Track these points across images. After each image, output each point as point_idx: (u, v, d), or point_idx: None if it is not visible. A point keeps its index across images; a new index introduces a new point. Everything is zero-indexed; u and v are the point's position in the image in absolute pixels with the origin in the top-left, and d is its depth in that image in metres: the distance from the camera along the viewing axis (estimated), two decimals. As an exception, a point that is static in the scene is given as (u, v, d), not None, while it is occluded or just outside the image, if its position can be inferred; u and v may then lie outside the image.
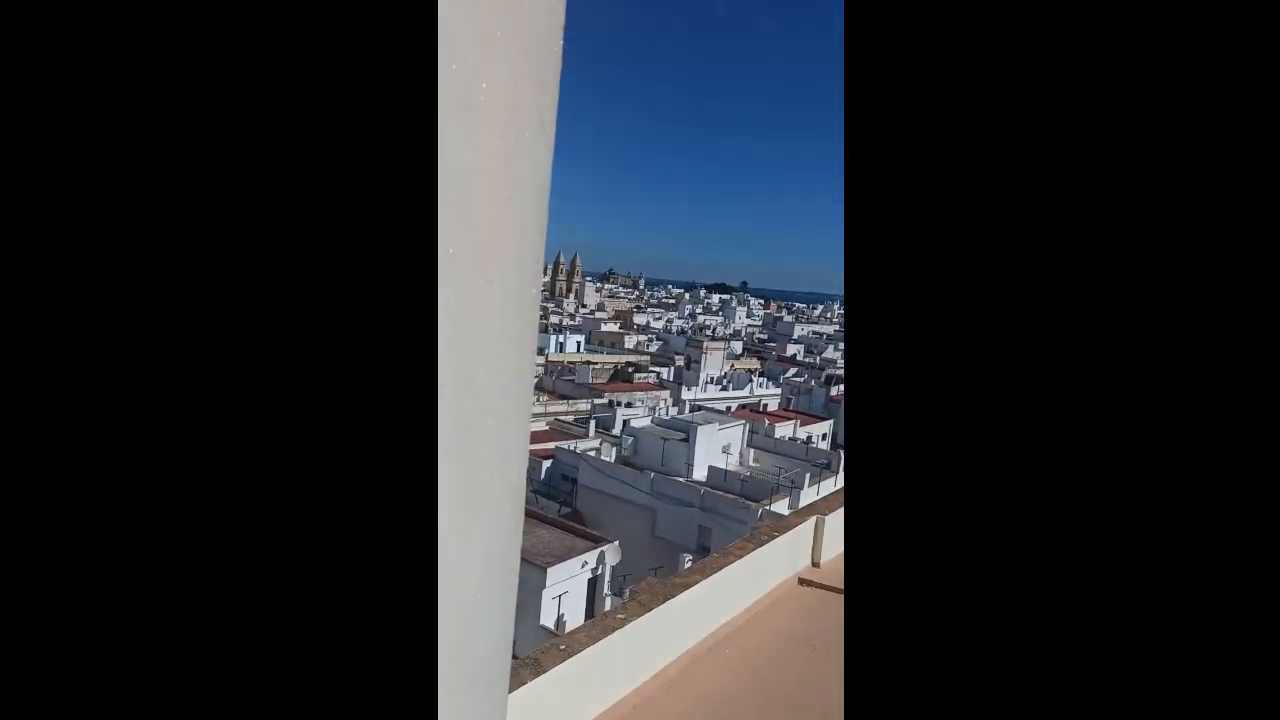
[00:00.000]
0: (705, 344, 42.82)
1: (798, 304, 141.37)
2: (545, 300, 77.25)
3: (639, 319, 70.31)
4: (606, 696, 3.50)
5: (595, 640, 3.34)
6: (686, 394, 35.06)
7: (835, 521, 5.33)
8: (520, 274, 0.71)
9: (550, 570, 13.60)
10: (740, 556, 4.57)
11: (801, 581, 5.06)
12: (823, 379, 41.52)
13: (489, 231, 0.66)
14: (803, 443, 27.45)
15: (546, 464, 22.17)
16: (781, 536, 4.97)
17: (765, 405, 37.02)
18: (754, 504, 18.37)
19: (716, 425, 24.06)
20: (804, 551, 5.27)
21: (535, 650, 3.28)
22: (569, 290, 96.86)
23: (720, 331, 66.80)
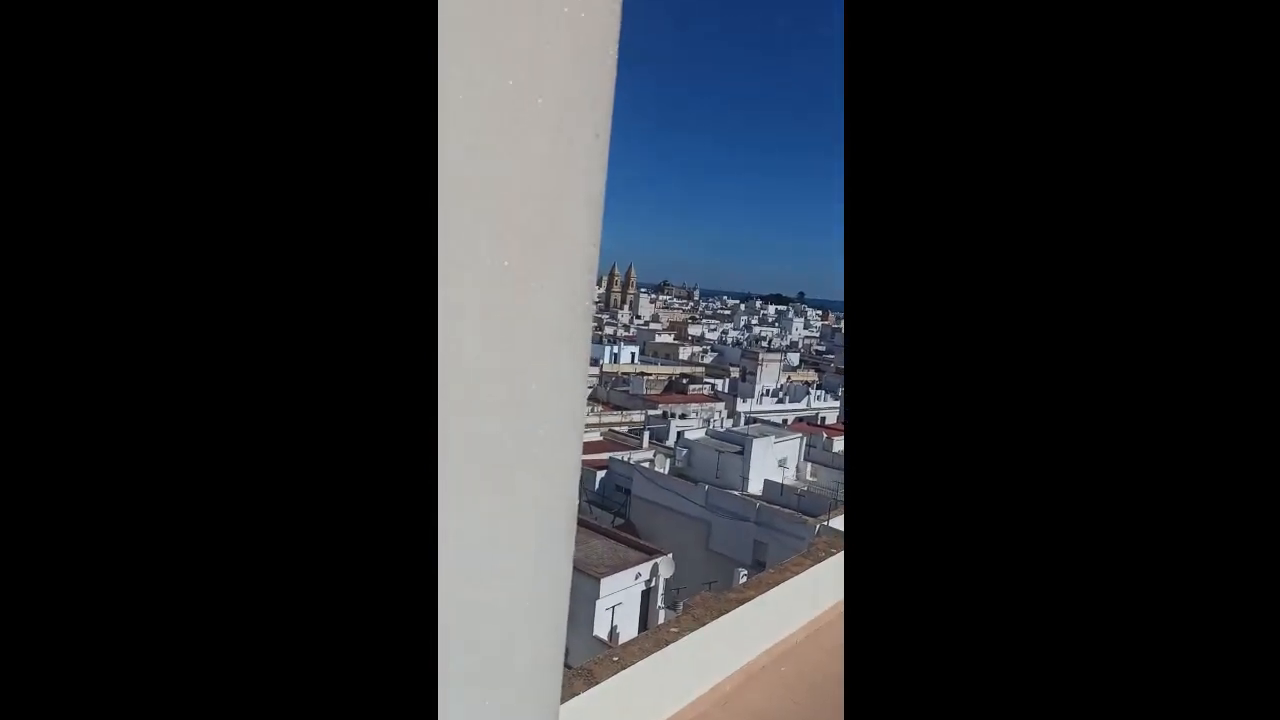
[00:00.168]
0: (761, 355, 42.36)
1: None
2: (600, 311, 77.83)
3: (694, 330, 70.10)
4: (660, 710, 3.47)
5: (649, 653, 3.32)
6: (742, 406, 34.72)
7: (896, 539, 5.15)
8: (573, 285, 0.71)
9: (604, 581, 13.61)
10: (797, 573, 4.48)
11: (860, 600, 4.92)
12: (882, 392, 40.19)
13: (542, 243, 0.67)
14: (862, 457, 26.60)
15: (600, 474, 22.25)
16: (839, 553, 4.85)
17: (823, 418, 36.31)
18: (811, 519, 18.00)
19: (773, 438, 23.72)
20: (863, 569, 5.12)
21: (588, 661, 3.28)
22: (623, 301, 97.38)
23: (776, 343, 65.93)
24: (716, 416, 31.44)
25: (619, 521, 20.15)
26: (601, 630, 13.57)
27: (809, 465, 24.62)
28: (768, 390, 38.10)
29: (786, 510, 18.97)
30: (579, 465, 0.78)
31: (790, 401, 37.48)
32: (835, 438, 28.40)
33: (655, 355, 49.78)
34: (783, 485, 21.60)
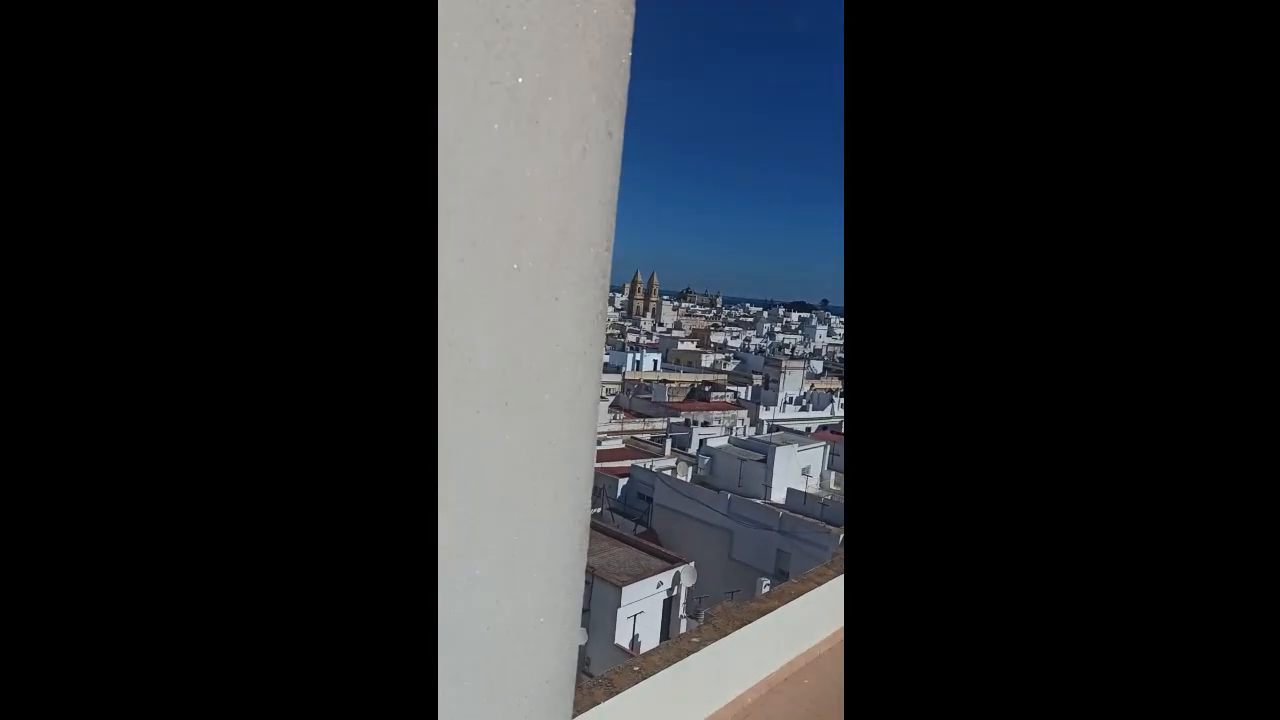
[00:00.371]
0: (784, 363, 42.10)
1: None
2: (622, 319, 78.00)
3: (716, 337, 69.91)
4: (680, 721, 3.43)
5: (670, 663, 3.29)
6: (765, 414, 34.50)
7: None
8: (586, 291, 0.70)
9: (625, 589, 13.57)
10: (820, 583, 4.42)
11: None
12: (908, 400, 39.76)
13: (554, 246, 0.65)
14: (886, 466, 26.30)
15: (622, 482, 22.22)
16: (863, 563, 4.78)
17: (847, 426, 35.82)
18: (835, 529, 17.79)
19: (796, 446, 23.54)
20: (888, 580, 5.04)
21: (609, 670, 3.26)
22: (646, 309, 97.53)
23: (800, 350, 65.56)
24: (739, 424, 31.28)
25: (641, 529, 20.10)
26: (623, 639, 13.51)
27: (832, 474, 24.38)
28: (791, 398, 37.83)
29: (809, 519, 18.77)
30: (592, 475, 0.77)
31: (814, 409, 37.18)
32: (859, 446, 27.96)
33: (678, 363, 49.73)
34: (806, 494, 21.39)
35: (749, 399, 38.40)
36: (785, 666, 4.07)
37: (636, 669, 3.22)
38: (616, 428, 28.92)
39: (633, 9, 0.68)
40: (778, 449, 22.69)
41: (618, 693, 3.02)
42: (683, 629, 13.03)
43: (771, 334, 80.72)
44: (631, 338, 58.10)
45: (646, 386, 39.17)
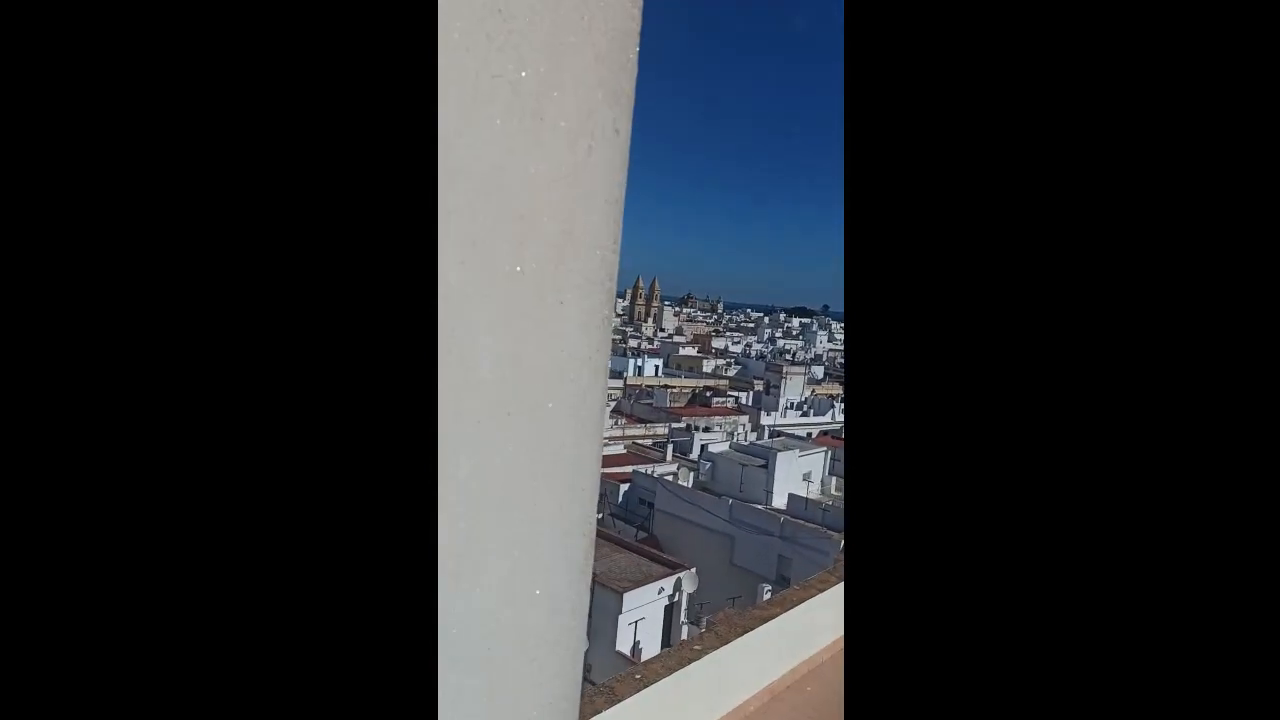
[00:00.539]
0: (785, 368, 42.11)
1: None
2: (624, 324, 78.14)
3: (717, 343, 70.00)
4: (683, 731, 3.40)
5: (671, 671, 3.26)
6: (766, 419, 34.47)
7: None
8: (593, 293, 0.67)
9: (627, 596, 13.52)
10: (822, 590, 4.39)
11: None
12: (909, 405, 39.79)
13: (559, 247, 0.63)
14: (888, 471, 26.29)
15: (624, 487, 22.19)
16: (867, 570, 4.75)
17: (848, 432, 35.81)
18: (836, 534, 17.75)
19: (797, 452, 23.49)
20: (891, 587, 5.01)
21: (611, 678, 3.23)
22: (647, 314, 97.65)
23: (801, 356, 65.56)
24: (740, 429, 31.24)
25: (642, 535, 20.06)
26: (624, 645, 13.46)
27: (834, 479, 24.32)
28: (792, 403, 37.81)
29: (811, 525, 18.74)
30: (598, 481, 0.74)
31: (815, 415, 37.15)
32: (861, 452, 27.96)
33: (679, 368, 49.74)
34: (807, 499, 21.35)
35: (750, 404, 38.38)
36: (788, 674, 4.04)
37: (638, 677, 3.20)
38: (618, 433, 28.92)
39: (640, 2, 0.66)
40: (779, 454, 22.65)
41: (619, 701, 2.99)
42: (684, 635, 12.97)
43: (773, 339, 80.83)
44: (633, 343, 58.22)
45: (648, 392, 39.18)
